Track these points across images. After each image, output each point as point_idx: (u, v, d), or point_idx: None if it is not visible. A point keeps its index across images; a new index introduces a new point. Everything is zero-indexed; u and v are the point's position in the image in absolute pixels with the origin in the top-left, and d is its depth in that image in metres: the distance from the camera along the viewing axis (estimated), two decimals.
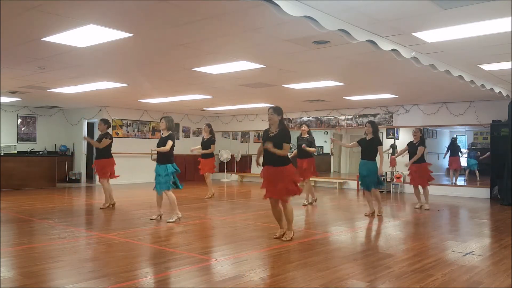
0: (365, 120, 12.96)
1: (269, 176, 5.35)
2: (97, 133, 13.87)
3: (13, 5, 4.24)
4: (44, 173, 12.05)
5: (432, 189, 11.69)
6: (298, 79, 8.27)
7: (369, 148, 7.54)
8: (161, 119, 6.92)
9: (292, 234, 5.55)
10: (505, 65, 6.59)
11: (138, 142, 14.32)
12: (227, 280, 3.84)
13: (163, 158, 6.69)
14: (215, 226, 6.80)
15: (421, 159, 8.58)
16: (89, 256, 4.72)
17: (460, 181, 13.77)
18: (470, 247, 5.23)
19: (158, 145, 6.75)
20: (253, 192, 11.78)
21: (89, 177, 14.54)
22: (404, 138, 14.14)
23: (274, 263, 4.44)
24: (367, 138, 7.63)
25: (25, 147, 13.72)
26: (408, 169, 8.85)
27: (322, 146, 17.87)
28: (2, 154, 12.08)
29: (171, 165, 6.69)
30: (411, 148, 8.69)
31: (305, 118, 14.32)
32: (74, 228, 6.30)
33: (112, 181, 8.54)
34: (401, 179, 12.07)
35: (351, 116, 13.27)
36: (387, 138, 14.06)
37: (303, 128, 8.95)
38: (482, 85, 7.49)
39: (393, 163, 11.32)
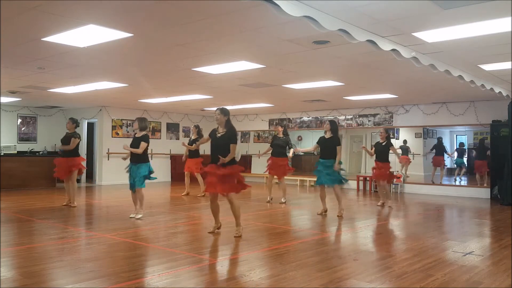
0: (365, 120, 12.97)
1: (212, 173, 5.51)
2: (97, 134, 13.99)
3: (13, 5, 4.24)
4: (44, 173, 12.03)
5: (432, 189, 11.75)
6: (298, 79, 8.27)
7: (328, 147, 7.53)
8: (135, 120, 7.24)
9: (241, 229, 5.69)
10: (505, 65, 6.59)
11: None
12: (227, 280, 3.84)
13: (138, 158, 6.87)
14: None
15: (386, 158, 8.86)
16: (89, 256, 4.72)
17: (461, 181, 13.80)
18: (470, 247, 5.24)
19: (132, 146, 6.96)
20: (253, 192, 11.77)
21: (89, 177, 14.54)
22: (404, 138, 14.19)
23: (274, 263, 4.44)
24: (326, 137, 7.63)
25: (25, 147, 13.71)
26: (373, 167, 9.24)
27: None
28: (2, 154, 12.07)
29: (145, 164, 6.94)
30: (378, 147, 8.99)
31: (305, 118, 14.33)
32: (74, 228, 6.30)
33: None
34: (401, 179, 12.08)
35: (351, 116, 13.27)
36: None
37: (278, 128, 9.35)
38: (482, 85, 7.49)
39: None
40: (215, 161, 5.50)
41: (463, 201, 10.18)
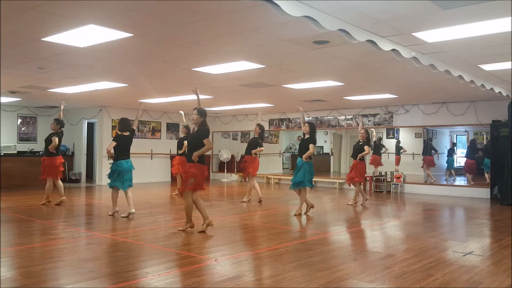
0: (365, 120, 12.96)
1: (185, 170, 5.83)
2: (97, 134, 13.99)
3: (13, 5, 4.24)
4: None
5: (432, 189, 11.75)
6: (298, 79, 8.28)
7: (304, 147, 7.68)
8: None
9: (187, 227, 5.89)
10: (505, 65, 6.59)
11: (138, 142, 14.27)
12: (227, 280, 3.84)
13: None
14: (215, 226, 6.78)
15: (362, 158, 9.02)
16: (89, 256, 4.72)
17: (461, 181, 13.78)
18: (470, 247, 5.24)
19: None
20: (253, 192, 11.76)
21: (89, 177, 14.55)
22: (404, 138, 14.18)
23: (274, 263, 4.44)
24: (304, 138, 7.81)
25: (25, 147, 13.72)
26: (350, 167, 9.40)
27: (322, 146, 17.87)
28: (2, 154, 12.07)
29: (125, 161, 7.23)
30: (357, 145, 9.16)
31: (305, 118, 14.30)
32: (74, 228, 6.30)
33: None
34: (401, 179, 12.08)
35: (351, 116, 13.27)
36: (387, 138, 14.06)
37: (255, 128, 9.49)
38: (482, 85, 7.48)
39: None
40: (188, 159, 5.75)
41: (463, 201, 10.18)
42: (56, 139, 8.34)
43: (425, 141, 13.71)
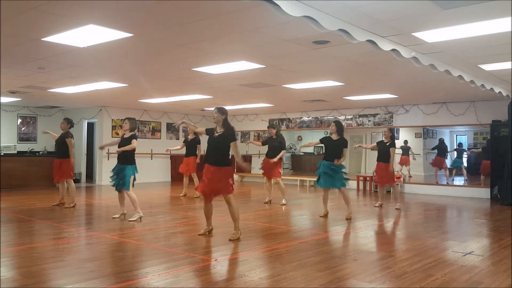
0: (365, 120, 12.97)
1: (209, 174, 5.45)
2: (97, 134, 13.99)
3: (13, 5, 4.24)
4: (44, 173, 12.02)
5: (432, 189, 11.75)
6: (298, 79, 8.28)
7: (336, 148, 7.38)
8: (124, 119, 7.11)
9: (239, 234, 5.54)
10: (505, 65, 6.59)
11: (138, 142, 14.21)
12: (227, 280, 3.84)
13: (125, 159, 6.96)
14: (215, 226, 6.77)
15: (388, 159, 8.59)
16: (89, 256, 4.72)
17: (460, 181, 13.79)
18: (470, 247, 5.24)
19: (121, 146, 6.95)
20: (253, 192, 11.78)
21: (89, 177, 14.55)
22: (404, 138, 14.18)
23: (274, 263, 4.45)
24: (334, 138, 7.47)
25: (25, 147, 13.72)
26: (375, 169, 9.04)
27: (322, 146, 17.86)
28: (2, 154, 12.07)
29: (132, 166, 7.06)
30: (381, 147, 8.72)
31: (305, 118, 14.32)
32: (74, 228, 6.30)
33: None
34: (401, 179, 12.08)
35: (351, 116, 13.27)
36: None
37: (271, 130, 9.25)
38: (482, 85, 7.49)
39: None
40: (210, 161, 5.47)
41: (463, 201, 10.18)
42: (72, 141, 8.23)
43: (440, 140, 13.66)
